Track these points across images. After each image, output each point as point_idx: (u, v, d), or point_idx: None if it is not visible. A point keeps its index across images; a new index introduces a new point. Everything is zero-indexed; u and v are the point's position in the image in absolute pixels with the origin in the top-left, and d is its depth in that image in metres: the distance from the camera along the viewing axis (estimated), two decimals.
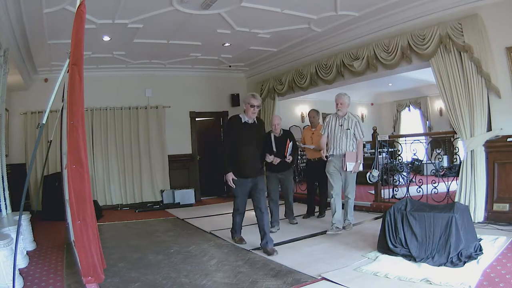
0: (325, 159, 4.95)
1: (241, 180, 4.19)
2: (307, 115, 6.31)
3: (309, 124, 6.30)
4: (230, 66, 8.74)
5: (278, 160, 4.75)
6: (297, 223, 5.44)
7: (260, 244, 4.09)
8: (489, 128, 4.64)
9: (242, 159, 4.17)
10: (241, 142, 4.18)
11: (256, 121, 4.38)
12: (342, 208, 4.88)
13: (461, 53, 4.71)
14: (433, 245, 3.34)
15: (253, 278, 3.30)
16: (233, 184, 4.16)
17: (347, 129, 4.78)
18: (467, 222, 3.46)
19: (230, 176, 4.15)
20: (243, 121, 4.27)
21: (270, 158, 4.61)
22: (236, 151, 4.18)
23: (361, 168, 4.83)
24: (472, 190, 4.64)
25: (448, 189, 5.18)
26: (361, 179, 7.29)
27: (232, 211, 4.54)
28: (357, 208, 5.99)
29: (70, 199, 2.74)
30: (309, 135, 6.01)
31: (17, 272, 3.06)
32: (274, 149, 5.02)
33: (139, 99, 8.36)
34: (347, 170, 4.73)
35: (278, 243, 4.30)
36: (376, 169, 5.68)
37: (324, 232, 4.73)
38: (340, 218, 4.77)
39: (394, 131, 12.74)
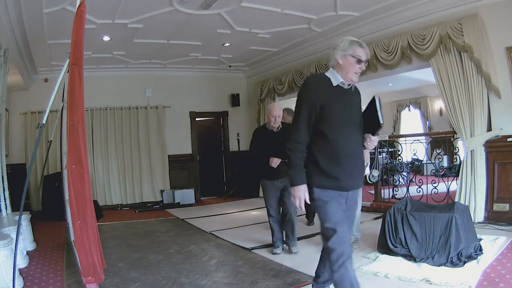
0: None
1: (335, 195, 2.21)
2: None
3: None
4: (230, 66, 8.74)
5: (279, 161, 3.88)
6: (297, 252, 3.98)
7: None
8: (489, 128, 4.64)
9: (340, 155, 2.20)
10: (336, 122, 2.22)
11: (352, 87, 2.39)
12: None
13: (461, 53, 4.71)
14: (433, 245, 3.34)
15: (253, 278, 3.30)
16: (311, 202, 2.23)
17: None
18: (467, 222, 3.46)
19: (303, 192, 2.18)
20: (334, 84, 2.28)
21: (275, 162, 3.86)
22: (327, 140, 2.20)
23: (367, 171, 4.07)
24: (472, 190, 4.64)
25: (448, 189, 5.18)
26: None
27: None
28: None
29: (70, 199, 2.74)
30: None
31: (17, 272, 3.06)
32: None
33: (139, 99, 8.37)
34: None
35: None
36: (376, 169, 5.69)
37: None
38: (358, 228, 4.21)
39: (394, 131, 12.74)
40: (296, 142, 2.21)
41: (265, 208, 4.22)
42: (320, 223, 2.25)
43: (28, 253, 4.21)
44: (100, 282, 2.78)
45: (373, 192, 6.53)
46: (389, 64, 5.70)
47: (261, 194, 8.82)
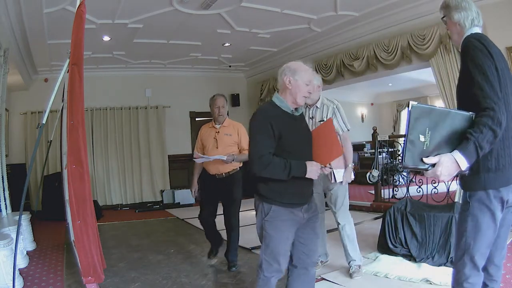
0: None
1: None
2: (209, 103, 3.84)
3: (213, 119, 3.81)
4: (230, 66, 8.74)
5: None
6: None
7: None
8: None
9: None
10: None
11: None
12: (337, 229, 3.44)
13: None
14: (433, 245, 3.34)
15: (253, 278, 3.30)
16: None
17: (321, 121, 3.23)
18: None
19: None
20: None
21: (327, 170, 2.22)
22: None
23: (352, 176, 3.30)
24: None
25: (448, 189, 5.18)
26: (360, 179, 7.30)
27: None
28: (357, 208, 6.00)
29: (70, 199, 2.74)
30: (212, 136, 3.70)
31: (17, 272, 3.07)
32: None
33: (139, 99, 8.37)
34: (336, 181, 3.20)
35: None
36: (376, 169, 5.69)
37: None
38: (325, 250, 3.50)
39: (394, 131, 12.75)
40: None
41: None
42: None
43: (28, 253, 4.21)
44: (100, 282, 2.78)
45: (373, 192, 6.54)
46: (389, 64, 5.70)
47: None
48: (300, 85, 2.16)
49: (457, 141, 1.55)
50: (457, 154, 1.52)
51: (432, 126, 1.55)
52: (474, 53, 1.62)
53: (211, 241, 3.92)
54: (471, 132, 1.51)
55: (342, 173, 3.21)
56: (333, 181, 3.20)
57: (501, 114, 1.50)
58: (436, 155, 1.55)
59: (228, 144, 3.61)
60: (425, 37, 5.06)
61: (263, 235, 2.12)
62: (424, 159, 1.55)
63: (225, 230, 3.80)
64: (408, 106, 1.56)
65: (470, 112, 1.57)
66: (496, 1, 4.49)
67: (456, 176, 1.64)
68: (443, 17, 1.91)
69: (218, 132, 3.69)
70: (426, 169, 1.57)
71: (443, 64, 4.94)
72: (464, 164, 1.52)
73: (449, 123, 1.57)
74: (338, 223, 3.29)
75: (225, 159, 3.49)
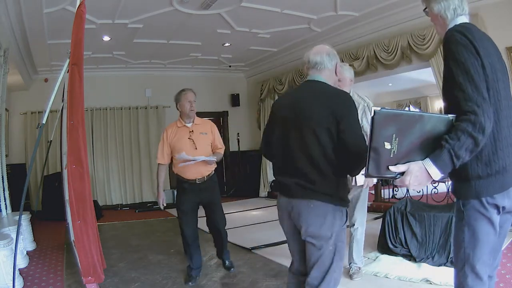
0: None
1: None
2: (175, 100, 3.41)
3: (181, 118, 3.40)
4: (230, 66, 8.74)
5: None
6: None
7: None
8: None
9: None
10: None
11: None
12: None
13: None
14: (433, 245, 3.34)
15: (253, 278, 3.30)
16: None
17: None
18: None
19: None
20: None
21: (361, 181, 2.73)
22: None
23: (374, 181, 3.21)
24: None
25: (448, 189, 5.18)
26: None
27: None
28: None
29: (70, 199, 2.74)
30: (186, 137, 3.31)
31: (17, 272, 3.07)
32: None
33: (139, 99, 8.37)
34: (357, 184, 3.04)
35: (277, 242, 4.29)
36: None
37: None
38: None
39: None
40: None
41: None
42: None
43: (28, 253, 4.21)
44: (100, 282, 2.79)
45: (373, 192, 6.53)
46: (389, 64, 5.70)
47: (262, 194, 8.79)
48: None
49: (433, 147, 1.39)
50: (427, 163, 1.37)
51: (400, 132, 1.39)
52: (456, 49, 1.47)
53: (192, 260, 3.33)
54: (446, 139, 1.35)
55: (364, 177, 2.84)
56: (353, 183, 3.01)
57: (485, 118, 1.32)
58: (406, 162, 1.40)
59: (206, 144, 3.33)
60: (425, 37, 5.06)
61: (338, 247, 1.88)
62: (391, 167, 1.40)
63: (212, 233, 3.58)
64: (371, 112, 1.39)
65: (450, 115, 1.40)
66: (496, 1, 4.50)
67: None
68: (425, 9, 1.76)
69: (192, 131, 3.31)
70: (395, 178, 1.43)
71: (443, 64, 4.92)
72: (436, 174, 1.36)
73: (420, 128, 1.40)
74: (353, 225, 3.18)
75: (215, 159, 3.19)
